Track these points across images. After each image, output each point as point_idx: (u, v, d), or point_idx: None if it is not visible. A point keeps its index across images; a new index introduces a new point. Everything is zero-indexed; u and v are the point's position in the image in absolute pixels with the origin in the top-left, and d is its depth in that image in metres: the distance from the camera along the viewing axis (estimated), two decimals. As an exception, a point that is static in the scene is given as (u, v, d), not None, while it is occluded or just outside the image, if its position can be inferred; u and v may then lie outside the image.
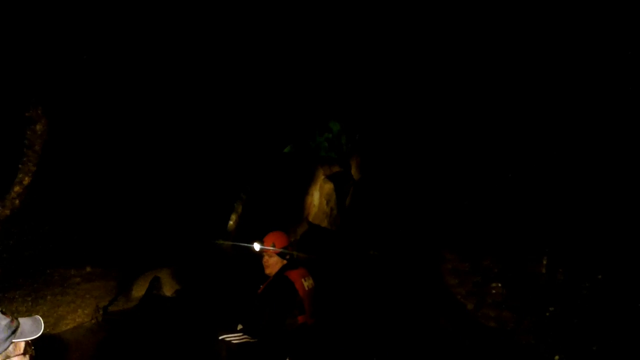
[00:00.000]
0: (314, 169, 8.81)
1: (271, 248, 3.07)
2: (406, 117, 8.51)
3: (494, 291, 5.45)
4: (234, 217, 6.63)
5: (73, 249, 4.41)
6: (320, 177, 8.64)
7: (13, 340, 1.46)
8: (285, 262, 3.06)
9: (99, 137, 4.74)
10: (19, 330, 1.48)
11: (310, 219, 8.39)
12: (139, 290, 5.11)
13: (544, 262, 5.27)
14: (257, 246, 3.09)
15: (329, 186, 8.24)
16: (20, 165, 4.32)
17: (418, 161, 7.86)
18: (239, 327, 2.99)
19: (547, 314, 4.72)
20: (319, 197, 8.40)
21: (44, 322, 1.55)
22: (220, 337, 2.94)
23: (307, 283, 3.02)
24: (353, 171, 9.13)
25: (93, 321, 4.22)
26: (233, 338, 2.92)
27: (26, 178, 4.32)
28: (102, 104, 4.84)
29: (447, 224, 6.93)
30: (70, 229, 4.40)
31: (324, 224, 7.98)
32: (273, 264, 3.07)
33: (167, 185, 5.49)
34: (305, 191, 8.61)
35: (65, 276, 4.35)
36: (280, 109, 8.28)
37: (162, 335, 4.69)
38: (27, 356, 1.52)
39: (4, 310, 1.47)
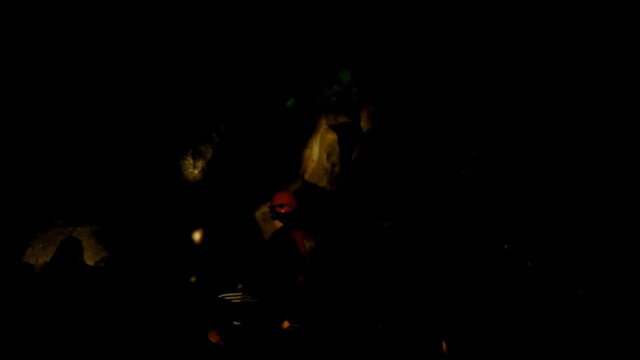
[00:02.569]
0: (315, 118, 7.15)
1: (277, 207, 3.18)
2: (435, 53, 6.70)
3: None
4: (200, 163, 4.96)
5: None
6: (323, 127, 6.95)
7: None
8: (288, 221, 3.16)
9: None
10: None
11: (307, 177, 6.77)
12: (38, 255, 3.50)
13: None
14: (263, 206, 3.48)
15: (331, 137, 6.53)
16: None
17: (447, 108, 6.08)
18: (239, 286, 3.15)
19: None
20: (318, 150, 6.71)
21: None
22: (220, 296, 3.01)
23: (308, 244, 3.09)
24: (363, 123, 7.39)
25: None
26: (233, 297, 3.00)
27: None
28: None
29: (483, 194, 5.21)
30: None
31: (323, 182, 6.34)
32: (277, 223, 3.21)
33: (85, 99, 3.78)
34: (303, 144, 7.00)
35: None
36: (281, 54, 6.85)
37: (84, 321, 3.25)
38: None
39: None
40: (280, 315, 2.94)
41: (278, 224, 3.22)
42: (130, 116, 4.43)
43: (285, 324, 2.93)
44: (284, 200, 3.23)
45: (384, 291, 3.93)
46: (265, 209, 5.55)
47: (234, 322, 2.99)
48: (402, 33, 7.27)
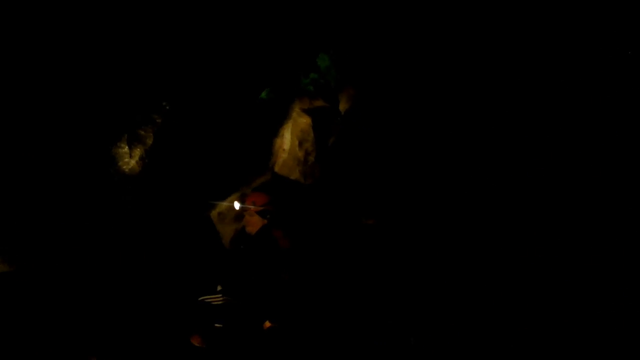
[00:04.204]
0: (289, 104, 6.27)
1: (251, 206, 3.17)
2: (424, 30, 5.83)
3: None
4: (137, 151, 3.99)
5: None
6: (295, 111, 6.03)
7: None
8: (265, 221, 3.19)
9: None
10: None
11: (277, 168, 5.85)
12: None
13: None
14: (237, 205, 3.31)
15: (304, 121, 5.61)
16: None
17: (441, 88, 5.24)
18: (219, 288, 3.09)
19: None
20: (290, 137, 5.78)
21: None
22: (200, 299, 3.02)
23: (287, 242, 3.18)
24: (342, 106, 6.51)
25: None
26: (213, 300, 3.00)
27: None
28: None
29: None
30: None
31: (295, 175, 5.42)
32: (254, 223, 3.21)
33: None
34: (273, 132, 6.09)
35: None
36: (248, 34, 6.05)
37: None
38: None
39: None
40: (261, 316, 2.97)
41: (255, 224, 3.20)
42: (42, 90, 3.44)
43: (267, 324, 2.95)
44: (264, 199, 3.25)
45: (367, 291, 3.70)
46: (222, 208, 4.68)
47: (216, 324, 2.98)
48: (386, 9, 6.44)
